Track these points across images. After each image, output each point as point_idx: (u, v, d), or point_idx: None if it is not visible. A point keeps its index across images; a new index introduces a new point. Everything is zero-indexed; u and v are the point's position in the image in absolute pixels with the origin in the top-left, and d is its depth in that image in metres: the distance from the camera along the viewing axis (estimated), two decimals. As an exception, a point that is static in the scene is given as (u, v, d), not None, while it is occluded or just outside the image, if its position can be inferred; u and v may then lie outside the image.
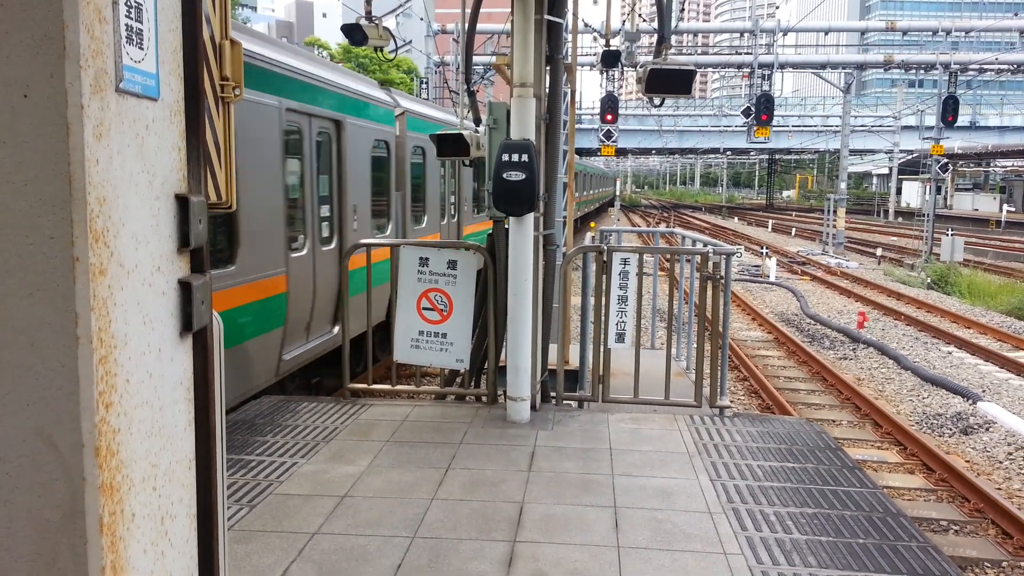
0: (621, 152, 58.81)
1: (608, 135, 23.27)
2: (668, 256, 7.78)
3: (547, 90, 5.94)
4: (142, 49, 1.26)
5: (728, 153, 68.14)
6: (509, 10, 5.47)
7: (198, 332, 1.45)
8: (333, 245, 7.74)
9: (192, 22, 1.42)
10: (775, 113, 27.10)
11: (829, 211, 30.78)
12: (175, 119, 1.38)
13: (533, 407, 5.76)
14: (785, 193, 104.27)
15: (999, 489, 7.22)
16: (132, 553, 1.26)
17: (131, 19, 1.23)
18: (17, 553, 1.18)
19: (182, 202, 1.39)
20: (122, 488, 1.23)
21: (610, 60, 10.32)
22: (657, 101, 5.98)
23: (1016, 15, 33.28)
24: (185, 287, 1.40)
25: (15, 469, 1.17)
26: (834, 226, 30.43)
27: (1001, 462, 7.89)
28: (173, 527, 1.40)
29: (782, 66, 29.40)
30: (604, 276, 5.81)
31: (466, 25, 6.39)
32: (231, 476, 4.48)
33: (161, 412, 1.35)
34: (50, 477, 1.16)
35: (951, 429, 8.92)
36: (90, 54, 1.13)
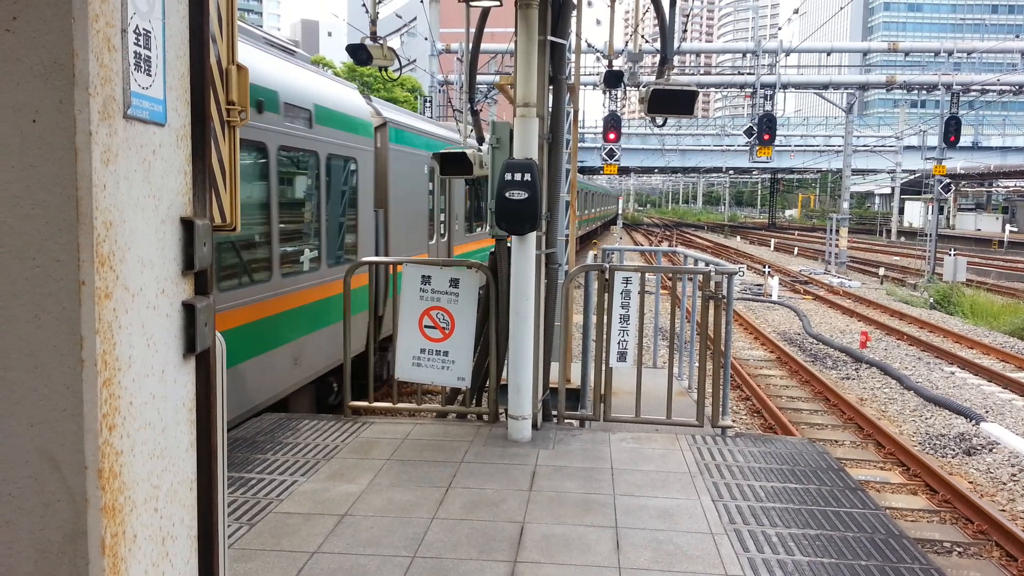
0: (624, 171, 58.94)
1: (611, 154, 23.35)
2: (670, 275, 7.79)
3: (550, 110, 5.98)
4: (150, 76, 1.28)
5: (730, 172, 68.32)
6: (513, 31, 5.52)
7: (201, 354, 1.47)
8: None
9: (199, 48, 1.44)
10: (777, 133, 27.18)
11: (831, 230, 30.80)
12: (181, 144, 1.40)
13: (534, 426, 5.76)
14: (787, 212, 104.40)
15: (1003, 511, 7.18)
16: (133, 574, 1.27)
17: (139, 46, 1.25)
18: (18, 573, 1.19)
19: (187, 225, 1.41)
20: (124, 509, 1.24)
21: (613, 80, 10.40)
22: (660, 121, 6.02)
23: (1018, 37, 33.47)
24: (189, 309, 1.42)
25: (18, 489, 1.18)
26: (836, 245, 30.45)
27: (1005, 483, 7.85)
28: (174, 548, 1.41)
29: (784, 86, 29.57)
30: (606, 295, 5.82)
31: (470, 45, 6.44)
32: (231, 494, 4.48)
33: (163, 433, 1.36)
34: (53, 498, 1.17)
35: (954, 450, 8.89)
36: (99, 81, 1.15)
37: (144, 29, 1.27)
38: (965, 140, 36.25)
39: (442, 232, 12.06)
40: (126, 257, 1.23)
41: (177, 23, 1.38)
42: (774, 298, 21.53)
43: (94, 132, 1.14)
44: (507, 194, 5.24)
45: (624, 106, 28.71)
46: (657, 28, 6.03)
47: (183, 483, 1.43)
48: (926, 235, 29.80)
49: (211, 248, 1.47)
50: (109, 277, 1.18)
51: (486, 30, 6.61)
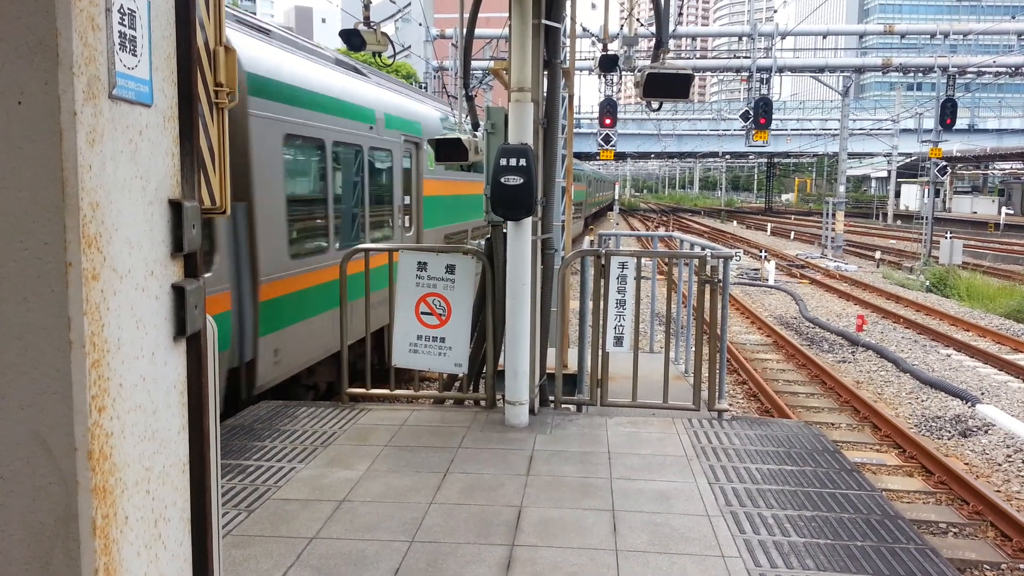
0: (620, 156, 58.87)
1: (607, 139, 23.30)
2: (666, 260, 7.78)
3: (545, 94, 5.96)
4: (135, 56, 1.27)
5: (727, 157, 68.27)
6: (507, 15, 5.48)
7: (192, 336, 1.46)
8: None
9: (186, 29, 1.42)
10: (773, 117, 27.14)
11: (828, 214, 30.81)
12: (168, 125, 1.39)
13: (531, 411, 5.77)
14: (784, 196, 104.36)
15: (998, 491, 7.22)
16: (125, 556, 1.27)
17: (124, 26, 1.24)
18: (11, 556, 1.19)
19: (176, 207, 1.40)
20: (115, 491, 1.23)
21: (608, 64, 10.35)
22: (655, 105, 6.01)
23: (1014, 18, 33.34)
24: (179, 292, 1.41)
25: (9, 473, 1.18)
26: (833, 229, 30.46)
27: (1000, 464, 7.89)
28: (167, 530, 1.41)
29: (780, 70, 29.46)
30: (602, 280, 5.82)
31: (464, 30, 6.40)
32: (229, 481, 4.48)
33: (154, 416, 1.36)
34: (44, 480, 1.17)
35: (950, 431, 8.93)
36: (83, 61, 1.14)
37: (129, 8, 1.25)
38: (961, 122, 36.11)
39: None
40: (113, 238, 1.22)
41: (162, 3, 1.37)
42: (771, 282, 21.54)
43: (79, 112, 1.13)
44: (502, 179, 5.23)
45: (620, 91, 28.63)
46: (652, 12, 5.99)
47: (175, 465, 1.43)
48: (922, 218, 29.81)
49: (200, 230, 1.46)
50: (96, 258, 1.18)
51: (481, 15, 6.56)
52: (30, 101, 1.13)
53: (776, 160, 78.05)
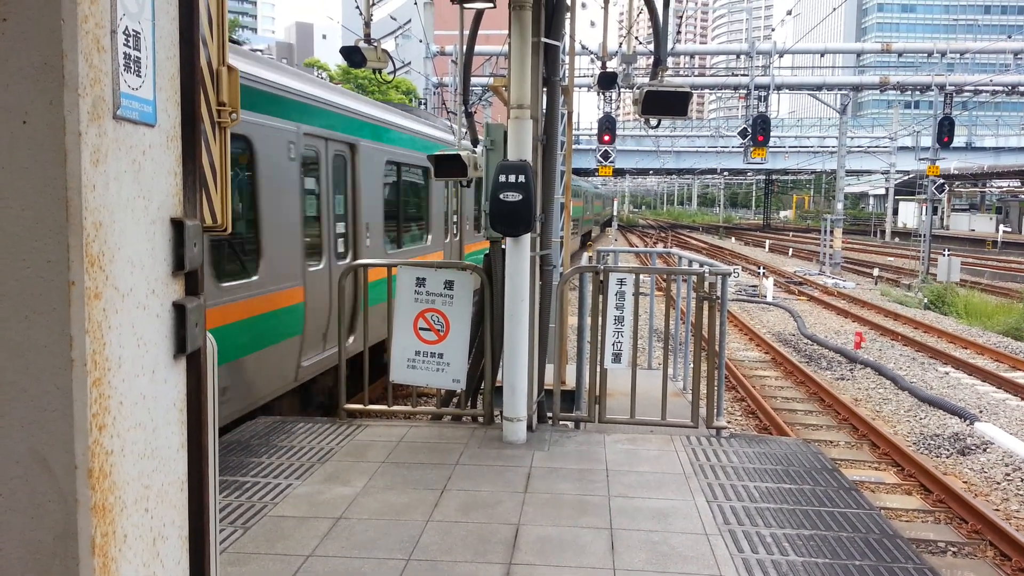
0: (618, 172, 59.02)
1: (606, 156, 23.38)
2: (664, 276, 7.80)
3: (544, 111, 5.99)
4: (139, 76, 1.28)
5: (725, 174, 68.44)
6: (507, 33, 5.52)
7: (192, 354, 1.47)
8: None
9: (189, 49, 1.44)
10: (772, 134, 27.24)
11: (826, 231, 30.87)
12: (171, 144, 1.40)
13: (529, 428, 5.76)
14: (782, 213, 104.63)
15: (997, 510, 7.20)
16: (124, 574, 1.27)
17: (129, 47, 1.25)
18: (10, 574, 1.19)
19: (178, 226, 1.41)
20: (114, 509, 1.24)
21: (607, 82, 10.40)
22: (654, 122, 6.03)
23: (1010, 37, 33.61)
24: (179, 310, 1.42)
25: (8, 490, 1.18)
26: (831, 246, 30.51)
27: (999, 483, 7.87)
28: (165, 548, 1.40)
29: (778, 87, 29.64)
30: (601, 296, 5.82)
31: (464, 47, 6.45)
32: (225, 498, 4.47)
33: (154, 434, 1.36)
34: (43, 499, 1.17)
35: (948, 450, 8.91)
36: (88, 82, 1.16)
37: (133, 30, 1.27)
38: (959, 140, 36.35)
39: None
40: (116, 257, 1.23)
41: (167, 24, 1.38)
42: (769, 299, 21.56)
43: (83, 133, 1.14)
44: (501, 196, 5.25)
45: (618, 108, 28.77)
46: (651, 30, 6.04)
47: (174, 483, 1.43)
48: (920, 236, 29.87)
49: (201, 249, 1.47)
50: (99, 277, 1.18)
51: (480, 32, 6.61)
52: (35, 121, 1.14)
53: (774, 177, 78.28)
